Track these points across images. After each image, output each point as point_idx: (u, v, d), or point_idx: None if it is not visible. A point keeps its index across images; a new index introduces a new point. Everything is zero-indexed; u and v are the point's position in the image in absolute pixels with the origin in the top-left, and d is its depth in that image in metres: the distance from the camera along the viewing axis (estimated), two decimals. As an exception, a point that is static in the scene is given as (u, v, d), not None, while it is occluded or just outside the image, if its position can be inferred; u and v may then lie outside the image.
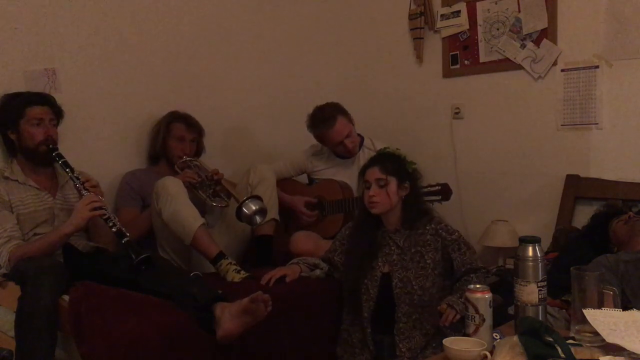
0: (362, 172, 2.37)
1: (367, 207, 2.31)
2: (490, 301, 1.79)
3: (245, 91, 3.50)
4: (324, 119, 2.98)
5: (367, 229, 2.36)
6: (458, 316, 2.12)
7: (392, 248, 2.32)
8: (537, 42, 3.10)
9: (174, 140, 2.91)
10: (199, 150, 3.02)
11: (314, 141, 3.21)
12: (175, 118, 2.94)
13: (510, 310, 1.94)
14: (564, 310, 2.12)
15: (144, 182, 2.83)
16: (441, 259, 2.30)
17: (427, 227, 2.32)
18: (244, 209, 2.57)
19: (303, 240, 2.85)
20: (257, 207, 2.59)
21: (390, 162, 2.34)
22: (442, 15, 3.45)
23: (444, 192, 2.66)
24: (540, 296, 1.75)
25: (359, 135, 3.15)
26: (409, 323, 2.25)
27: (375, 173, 2.30)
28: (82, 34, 2.84)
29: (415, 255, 2.29)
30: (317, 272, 2.47)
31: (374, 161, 2.37)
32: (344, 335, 2.39)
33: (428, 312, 2.24)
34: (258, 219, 2.60)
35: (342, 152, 3.07)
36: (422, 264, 2.28)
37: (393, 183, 2.29)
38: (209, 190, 2.80)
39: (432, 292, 2.26)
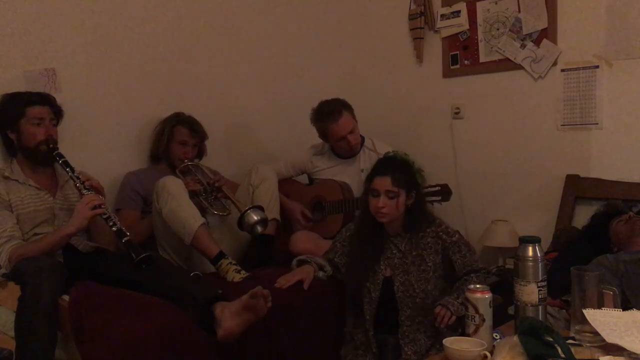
0: (370, 178, 2.30)
1: (372, 214, 2.27)
2: (490, 301, 1.79)
3: (246, 91, 3.50)
4: (330, 111, 2.99)
5: (369, 233, 2.34)
6: (453, 317, 2.13)
7: (394, 252, 2.32)
8: (537, 42, 3.10)
9: (176, 143, 2.91)
10: (200, 153, 3.03)
11: (314, 140, 3.21)
12: (180, 122, 2.94)
13: (510, 310, 1.94)
14: (564, 310, 2.12)
15: (145, 181, 2.83)
16: (442, 261, 2.29)
17: (428, 230, 2.31)
18: (246, 219, 2.58)
19: (303, 240, 2.85)
20: (259, 217, 2.59)
21: (402, 172, 2.28)
22: (442, 15, 3.46)
23: (444, 192, 2.66)
24: (540, 296, 1.75)
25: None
26: (413, 326, 2.25)
27: (386, 184, 2.23)
28: (82, 34, 2.83)
29: (417, 259, 2.28)
30: (320, 274, 2.46)
31: (385, 170, 2.27)
32: (347, 337, 2.39)
33: (431, 315, 2.23)
34: (259, 228, 2.60)
35: (344, 148, 3.06)
36: (423, 267, 2.27)
37: (402, 195, 2.25)
38: (210, 197, 2.81)
39: (434, 294, 2.26)
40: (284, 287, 2.35)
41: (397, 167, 2.30)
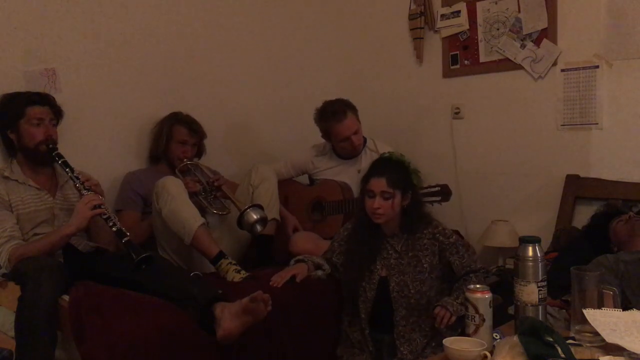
0: (366, 179, 2.30)
1: (368, 215, 2.28)
2: (490, 301, 1.79)
3: (246, 91, 3.50)
4: (335, 112, 2.99)
5: (366, 233, 2.34)
6: (453, 318, 2.13)
7: (390, 252, 2.32)
8: (537, 42, 3.10)
9: (175, 143, 2.91)
10: (199, 153, 3.03)
11: (315, 140, 3.21)
12: (179, 121, 2.94)
13: (510, 310, 1.94)
14: (564, 310, 2.12)
15: (145, 182, 2.83)
16: (438, 262, 2.30)
17: (425, 232, 2.31)
18: (245, 218, 2.58)
19: (303, 240, 2.85)
20: (258, 216, 2.59)
21: (397, 173, 2.28)
22: (442, 15, 3.46)
23: (444, 192, 2.67)
24: (540, 296, 1.76)
25: (361, 136, 3.15)
26: (408, 326, 2.25)
27: (381, 185, 2.24)
28: (82, 34, 2.83)
29: (413, 260, 2.28)
30: (319, 272, 2.46)
31: (381, 171, 2.28)
32: (343, 336, 2.40)
33: (426, 315, 2.24)
34: (259, 227, 2.60)
35: (347, 149, 3.06)
36: (419, 268, 2.27)
37: (398, 195, 2.26)
38: (209, 196, 2.81)
39: (429, 295, 2.26)
40: (279, 285, 2.35)
41: (393, 168, 2.32)
